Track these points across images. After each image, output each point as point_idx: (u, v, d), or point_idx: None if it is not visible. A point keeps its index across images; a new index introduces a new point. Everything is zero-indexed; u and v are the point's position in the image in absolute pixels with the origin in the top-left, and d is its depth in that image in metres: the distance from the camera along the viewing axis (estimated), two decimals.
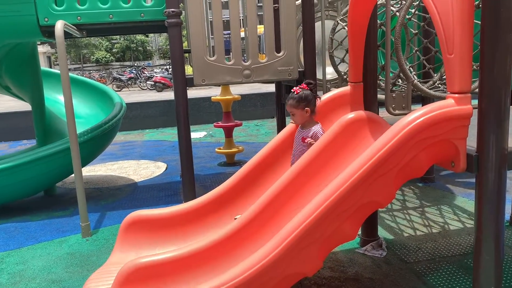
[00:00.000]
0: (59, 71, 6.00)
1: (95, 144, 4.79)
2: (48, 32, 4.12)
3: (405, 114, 3.12)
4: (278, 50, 4.11)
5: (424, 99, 4.76)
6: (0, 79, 4.93)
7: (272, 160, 3.02)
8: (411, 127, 1.95)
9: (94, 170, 6.42)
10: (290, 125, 3.05)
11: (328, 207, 1.91)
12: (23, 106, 10.18)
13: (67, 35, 4.14)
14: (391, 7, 3.33)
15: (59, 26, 3.66)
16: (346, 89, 3.00)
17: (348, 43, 3.03)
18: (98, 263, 3.28)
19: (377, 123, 2.53)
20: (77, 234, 3.96)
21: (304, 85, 2.79)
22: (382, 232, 3.58)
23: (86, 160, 4.95)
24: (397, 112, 3.21)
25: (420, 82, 3.30)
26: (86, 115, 5.78)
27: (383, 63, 3.41)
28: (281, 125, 5.30)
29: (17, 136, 9.64)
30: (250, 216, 2.39)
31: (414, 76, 3.31)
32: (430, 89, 3.37)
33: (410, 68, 3.45)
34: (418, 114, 1.97)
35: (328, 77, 4.75)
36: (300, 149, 2.77)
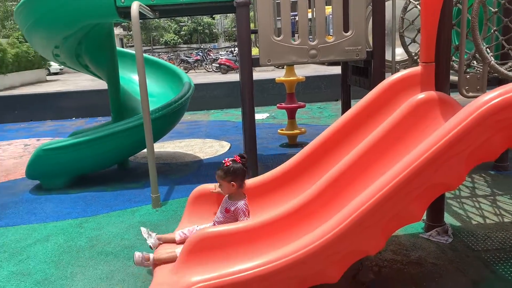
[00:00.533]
0: (133, 52, 6.33)
1: (166, 121, 5.02)
2: (124, 13, 4.33)
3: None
4: (346, 29, 4.04)
5: (501, 82, 4.49)
6: (80, 58, 5.28)
7: (335, 141, 3.02)
8: (487, 108, 1.87)
9: (163, 147, 6.73)
10: (354, 107, 3.02)
11: (395, 186, 1.90)
12: (98, 85, 10.78)
13: (141, 16, 4.34)
14: None
15: (135, 7, 3.84)
16: (416, 69, 2.91)
17: (420, 22, 2.93)
18: (167, 231, 3.45)
19: (449, 104, 2.44)
20: (148, 205, 4.21)
21: (237, 158, 2.75)
22: (448, 219, 3.48)
23: (157, 136, 5.20)
24: (470, 94, 3.07)
25: (497, 64, 3.13)
26: (157, 93, 6.05)
27: (457, 43, 3.26)
28: (346, 108, 5.23)
29: (92, 113, 10.28)
30: (314, 193, 2.42)
31: (491, 57, 3.14)
32: (509, 71, 3.19)
33: (487, 48, 3.27)
34: (495, 94, 1.89)
35: (397, 58, 4.60)
36: (223, 218, 2.75)
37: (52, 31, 4.60)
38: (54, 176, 4.84)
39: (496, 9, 3.51)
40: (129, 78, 6.19)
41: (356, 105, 3.00)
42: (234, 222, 2.63)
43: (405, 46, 4.16)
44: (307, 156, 3.05)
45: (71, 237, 3.64)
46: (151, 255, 2.65)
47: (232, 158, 2.75)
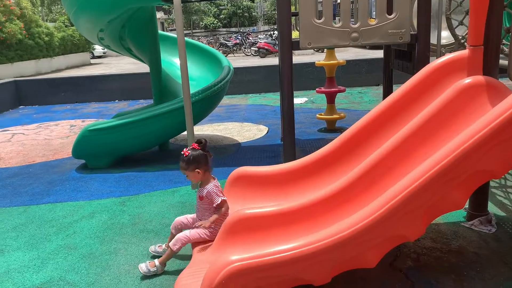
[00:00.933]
0: (174, 35, 6.41)
1: (205, 104, 5.08)
2: None
3: None
4: (389, 12, 3.93)
5: None
6: (123, 41, 5.41)
7: (377, 126, 2.97)
8: None
9: (202, 130, 6.84)
10: (396, 91, 2.95)
11: (438, 171, 1.86)
12: (140, 68, 10.97)
13: None
14: None
15: None
16: (463, 52, 2.81)
17: (468, 4, 2.81)
18: None
19: (497, 89, 2.35)
20: (187, 186, 4.31)
21: (195, 145, 2.75)
22: (492, 208, 3.37)
23: (196, 119, 5.28)
24: None
25: None
26: (197, 77, 6.12)
27: (508, 25, 3.11)
28: (387, 93, 5.11)
29: (134, 95, 10.54)
30: (354, 177, 2.41)
31: None
32: None
33: None
34: None
35: (443, 42, 4.45)
36: (200, 206, 2.84)
37: (97, 14, 4.73)
38: (98, 156, 5.03)
39: None
40: (170, 61, 6.29)
41: (399, 90, 2.94)
42: (216, 208, 2.75)
43: (451, 29, 4.01)
44: (347, 141, 3.02)
45: (114, 214, 3.78)
46: (156, 261, 2.77)
47: (190, 147, 2.77)
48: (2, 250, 3.27)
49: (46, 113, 9.61)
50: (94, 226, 3.58)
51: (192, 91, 5.01)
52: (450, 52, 4.50)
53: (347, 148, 3.03)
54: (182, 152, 2.74)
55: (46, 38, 20.75)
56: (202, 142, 2.78)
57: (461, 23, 3.91)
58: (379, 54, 6.01)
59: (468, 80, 2.40)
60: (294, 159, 4.19)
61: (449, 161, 1.85)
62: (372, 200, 2.28)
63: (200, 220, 2.81)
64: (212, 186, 2.77)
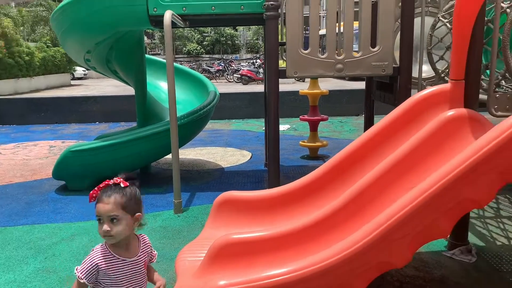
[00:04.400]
0: (159, 59, 6.46)
1: (190, 128, 5.10)
2: (155, 22, 4.45)
3: (508, 116, 2.98)
4: (373, 45, 4.07)
5: None
6: (110, 63, 5.42)
7: (361, 155, 3.02)
8: None
9: (184, 154, 6.82)
10: (380, 122, 3.03)
11: (426, 199, 1.91)
12: (121, 91, 10.94)
13: (172, 25, 4.45)
14: (501, 3, 3.16)
15: (167, 15, 3.95)
16: (445, 86, 2.91)
17: (449, 40, 2.94)
18: (189, 237, 3.52)
19: (479, 122, 2.44)
20: (170, 210, 4.27)
21: (125, 182, 1.83)
22: (472, 239, 3.44)
23: (181, 142, 5.26)
24: (499, 113, 3.07)
25: None
26: (182, 100, 6.15)
27: (487, 61, 3.25)
28: (368, 122, 5.23)
29: (116, 118, 10.47)
30: (340, 204, 2.44)
31: None
32: None
33: None
34: None
35: (424, 75, 4.60)
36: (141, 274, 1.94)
37: (85, 36, 4.75)
38: (80, 177, 4.95)
39: None
40: (155, 84, 6.32)
41: (383, 120, 3.02)
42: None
43: (432, 63, 4.17)
44: (332, 168, 3.06)
45: (95, 237, 3.71)
46: None
47: (120, 178, 1.83)
48: None
49: (25, 132, 9.44)
50: (74, 249, 3.49)
51: (178, 114, 5.03)
52: (431, 85, 4.66)
53: (332, 175, 3.07)
54: (115, 181, 1.83)
55: (27, 58, 20.55)
56: (134, 178, 1.88)
57: (441, 58, 4.07)
58: (358, 85, 6.18)
59: (451, 113, 2.49)
60: (279, 184, 4.23)
61: (437, 189, 1.91)
62: (358, 227, 2.31)
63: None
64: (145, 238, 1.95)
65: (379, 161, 2.88)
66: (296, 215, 3.03)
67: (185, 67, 6.90)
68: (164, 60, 5.98)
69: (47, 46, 23.54)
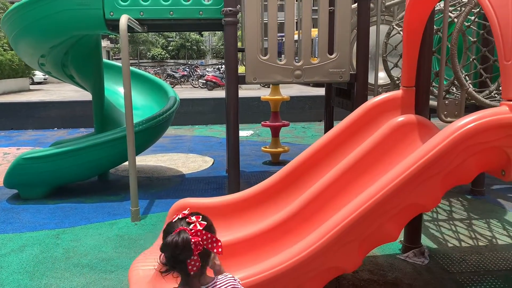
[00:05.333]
0: (118, 64, 6.34)
1: (149, 134, 5.01)
2: (112, 26, 4.36)
3: None
4: (331, 52, 4.14)
5: (478, 109, 4.62)
6: (66, 68, 5.27)
7: (317, 160, 3.06)
8: (462, 132, 1.94)
9: (145, 160, 6.70)
10: (336, 127, 3.07)
11: (372, 205, 1.94)
12: (81, 96, 10.68)
13: (129, 29, 4.37)
14: (449, 13, 3.29)
15: (123, 20, 3.88)
16: (398, 93, 2.99)
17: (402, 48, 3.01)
18: (145, 246, 3.45)
19: (427, 127, 2.52)
20: (127, 218, 4.17)
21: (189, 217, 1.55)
22: (425, 241, 3.53)
23: (139, 149, 5.19)
24: (448, 119, 3.16)
25: (475, 91, 3.24)
26: (141, 106, 6.04)
27: (437, 69, 3.37)
28: (328, 128, 5.30)
29: (74, 124, 10.18)
30: (294, 210, 2.45)
31: (469, 84, 3.25)
32: (485, 98, 3.30)
33: (466, 76, 3.39)
34: (470, 119, 1.97)
35: (380, 82, 4.71)
36: None
37: (39, 40, 4.59)
38: (33, 185, 4.77)
39: (475, 39, 3.67)
40: (114, 90, 6.18)
41: (338, 126, 3.06)
42: None
43: (387, 70, 4.27)
44: (289, 174, 3.08)
45: (47, 247, 3.57)
46: None
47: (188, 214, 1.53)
48: None
49: None
50: (23, 260, 3.35)
51: (136, 120, 4.94)
52: (387, 91, 4.78)
53: (289, 181, 3.09)
54: (185, 218, 1.51)
55: None
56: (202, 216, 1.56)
57: (396, 65, 4.18)
58: (321, 91, 6.28)
59: (401, 119, 2.55)
60: (239, 191, 4.22)
61: (383, 195, 1.95)
62: (311, 231, 2.33)
63: None
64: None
65: (333, 166, 2.93)
66: (253, 221, 3.02)
67: (144, 72, 6.79)
68: None
69: (4, 50, 22.69)
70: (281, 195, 3.06)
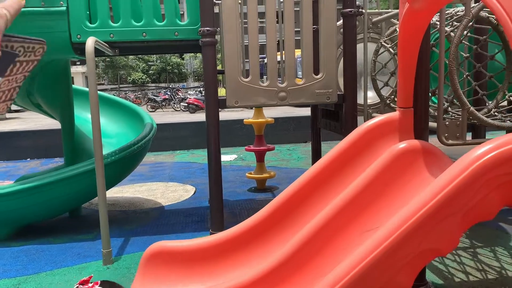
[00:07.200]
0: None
1: (123, 165, 4.62)
2: (80, 50, 4.02)
3: (459, 144, 2.80)
4: (316, 72, 3.87)
5: (474, 129, 4.39)
6: (32, 96, 4.88)
7: (310, 191, 2.73)
8: (482, 162, 1.63)
9: (121, 192, 6.28)
10: (328, 154, 2.77)
11: (380, 255, 1.61)
12: (58, 124, 10.28)
13: (99, 52, 4.04)
14: (445, 28, 3.04)
15: (90, 42, 3.54)
16: (393, 114, 2.71)
17: (393, 66, 2.76)
18: None
19: (434, 154, 2.22)
20: (98, 261, 3.75)
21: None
22: (430, 275, 3.20)
23: (113, 181, 4.80)
24: (450, 142, 2.90)
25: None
26: (116, 134, 5.66)
27: (433, 87, 3.10)
28: (315, 151, 5.01)
29: (49, 153, 9.71)
30: (286, 255, 2.10)
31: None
32: (486, 117, 3.04)
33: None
34: (490, 147, 1.66)
35: (369, 101, 4.46)
36: None
37: None
38: None
39: (468, 54, 3.42)
40: (86, 118, 5.79)
41: (331, 152, 2.75)
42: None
43: (377, 90, 4.02)
44: (278, 208, 2.74)
45: None
46: None
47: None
48: None
49: None
50: None
51: (109, 150, 4.57)
52: (377, 111, 4.52)
53: (278, 216, 2.75)
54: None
55: None
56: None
57: (386, 84, 3.92)
58: (305, 111, 6.02)
59: (403, 145, 2.25)
60: (222, 224, 3.86)
61: (392, 242, 1.62)
62: (306, 282, 1.99)
63: None
64: None
65: (328, 199, 2.61)
66: (239, 266, 2.66)
67: (118, 98, 6.40)
68: (100, 92, 5.53)
69: None
70: (271, 233, 2.72)
